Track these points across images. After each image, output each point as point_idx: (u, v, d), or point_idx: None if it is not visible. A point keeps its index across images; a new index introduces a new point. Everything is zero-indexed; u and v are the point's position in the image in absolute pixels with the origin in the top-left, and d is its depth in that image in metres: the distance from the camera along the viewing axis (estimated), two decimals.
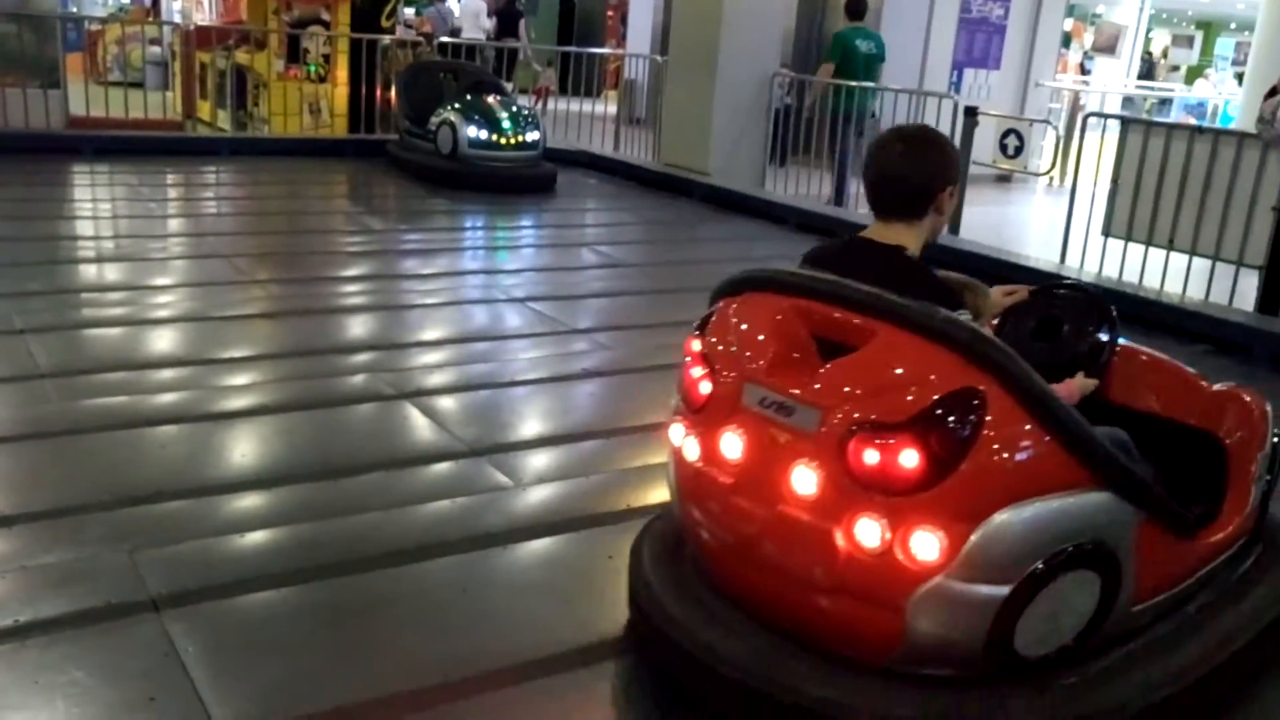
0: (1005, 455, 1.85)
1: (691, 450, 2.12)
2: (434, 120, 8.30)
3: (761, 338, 2.07)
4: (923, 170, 2.18)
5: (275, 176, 8.24)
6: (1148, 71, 25.79)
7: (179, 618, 2.32)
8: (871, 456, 1.84)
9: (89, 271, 5.42)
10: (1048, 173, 8.60)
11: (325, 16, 10.46)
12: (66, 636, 2.24)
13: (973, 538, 1.82)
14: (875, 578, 1.87)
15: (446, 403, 3.80)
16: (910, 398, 1.86)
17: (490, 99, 8.52)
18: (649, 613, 2.21)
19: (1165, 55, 28.02)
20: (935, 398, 1.84)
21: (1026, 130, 7.91)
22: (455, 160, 8.10)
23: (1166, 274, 6.02)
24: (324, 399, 3.73)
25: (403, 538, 2.78)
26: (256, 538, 2.74)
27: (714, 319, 2.20)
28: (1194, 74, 26.10)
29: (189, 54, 10.93)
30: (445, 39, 11.31)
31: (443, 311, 5.07)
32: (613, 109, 12.73)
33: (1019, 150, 7.81)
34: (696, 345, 2.18)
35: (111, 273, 5.39)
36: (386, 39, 10.21)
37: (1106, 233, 6.45)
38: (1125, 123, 6.80)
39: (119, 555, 2.54)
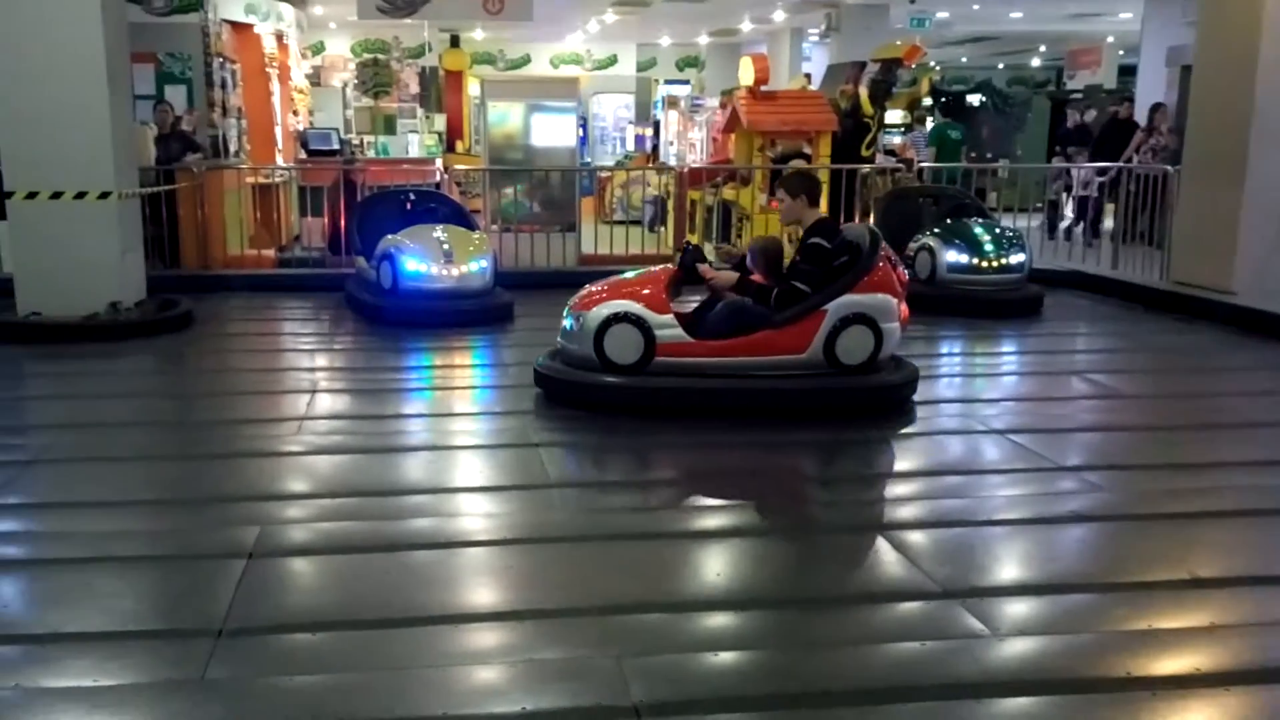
0: None
1: None
2: (912, 246, 8.27)
3: None
4: None
5: None
6: None
7: None
8: None
9: None
10: None
11: (807, 150, 10.95)
12: None
13: None
14: None
15: (917, 537, 3.62)
16: None
17: (972, 222, 8.34)
18: None
19: None
20: None
21: None
22: (933, 285, 7.98)
23: None
24: (797, 525, 3.76)
25: (869, 677, 2.65)
26: (728, 658, 2.76)
27: None
28: None
29: (681, 193, 11.97)
30: (925, 164, 11.35)
31: (915, 442, 4.91)
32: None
33: None
34: None
35: None
36: (866, 168, 10.43)
37: None
38: None
39: (608, 660, 2.69)
